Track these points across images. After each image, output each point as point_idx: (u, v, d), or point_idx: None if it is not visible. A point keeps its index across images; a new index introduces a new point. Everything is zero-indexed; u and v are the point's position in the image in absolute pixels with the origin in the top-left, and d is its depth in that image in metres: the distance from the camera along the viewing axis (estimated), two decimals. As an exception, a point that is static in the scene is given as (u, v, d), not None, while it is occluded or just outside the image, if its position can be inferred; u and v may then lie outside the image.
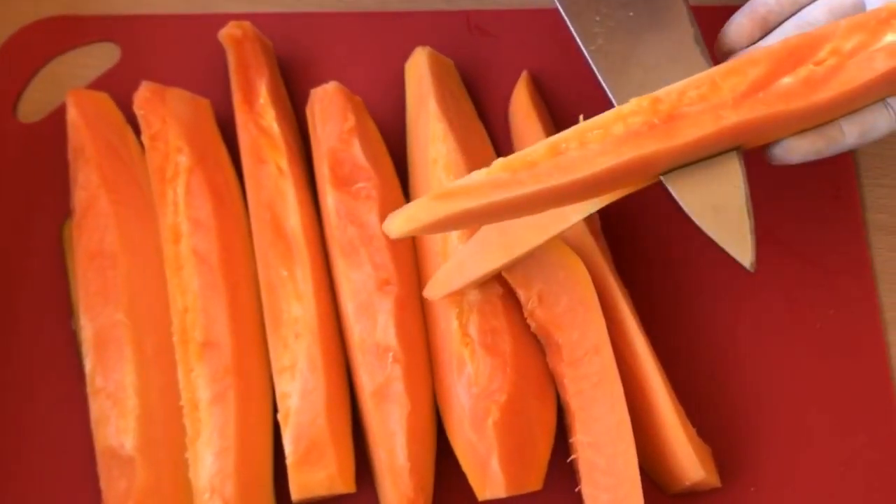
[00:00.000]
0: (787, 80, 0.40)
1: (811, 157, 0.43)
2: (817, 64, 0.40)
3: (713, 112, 0.39)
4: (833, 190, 0.54)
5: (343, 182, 0.50)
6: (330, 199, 0.50)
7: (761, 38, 0.45)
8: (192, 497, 0.46)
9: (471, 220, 0.41)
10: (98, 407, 0.47)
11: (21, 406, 0.49)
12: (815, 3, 0.44)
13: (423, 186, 0.51)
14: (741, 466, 0.48)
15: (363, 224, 0.49)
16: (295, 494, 0.45)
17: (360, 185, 0.50)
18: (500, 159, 0.40)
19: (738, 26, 0.45)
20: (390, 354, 0.47)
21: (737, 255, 0.41)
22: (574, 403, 0.45)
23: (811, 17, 0.44)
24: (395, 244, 0.49)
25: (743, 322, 0.51)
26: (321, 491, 0.45)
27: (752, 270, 0.41)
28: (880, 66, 0.39)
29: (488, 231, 0.46)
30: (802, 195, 0.54)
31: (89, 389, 0.48)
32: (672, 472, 0.45)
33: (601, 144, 0.39)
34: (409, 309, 0.48)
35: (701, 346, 0.50)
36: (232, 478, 0.45)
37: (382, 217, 0.49)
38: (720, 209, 0.41)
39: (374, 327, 0.48)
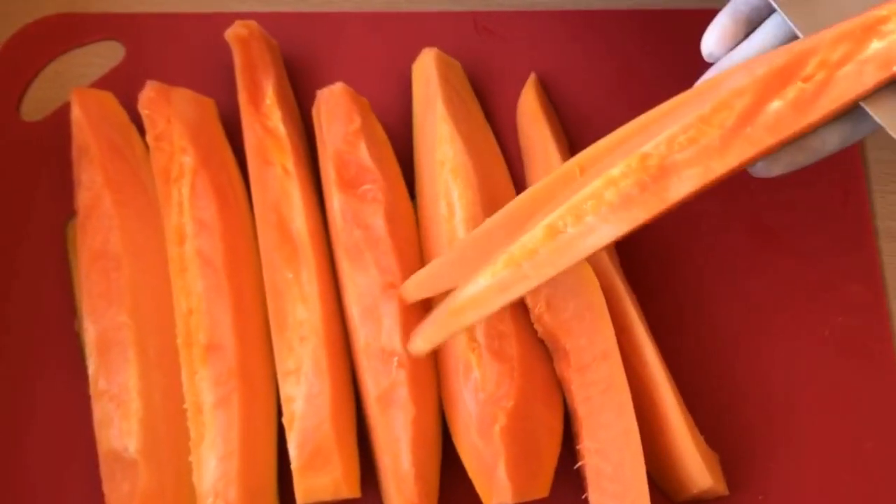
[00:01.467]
0: (775, 105, 0.38)
1: (791, 169, 0.42)
2: (805, 80, 0.38)
3: (703, 158, 0.38)
4: (843, 197, 0.53)
5: (349, 184, 0.50)
6: (336, 201, 0.50)
7: (745, 38, 0.43)
8: (196, 501, 0.45)
9: (484, 320, 0.42)
10: (101, 409, 0.47)
11: (24, 408, 0.49)
12: None
13: (430, 189, 0.51)
14: (749, 474, 0.48)
15: (369, 227, 0.49)
16: (300, 499, 0.45)
17: (366, 187, 0.50)
18: (504, 255, 0.39)
19: (722, 28, 0.43)
20: (395, 359, 0.47)
21: None
22: (581, 410, 0.45)
23: None
24: (401, 247, 0.49)
25: (751, 328, 0.51)
26: (326, 496, 0.45)
27: None
28: (869, 79, 0.37)
29: (469, 246, 0.45)
30: (812, 202, 0.53)
31: (92, 391, 0.47)
32: (679, 480, 0.45)
33: (596, 216, 0.38)
34: (415, 313, 0.48)
35: (709, 353, 0.50)
36: (236, 482, 0.45)
37: (388, 219, 0.49)
38: None
39: (379, 331, 0.47)
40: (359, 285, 0.48)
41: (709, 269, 0.52)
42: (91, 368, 0.47)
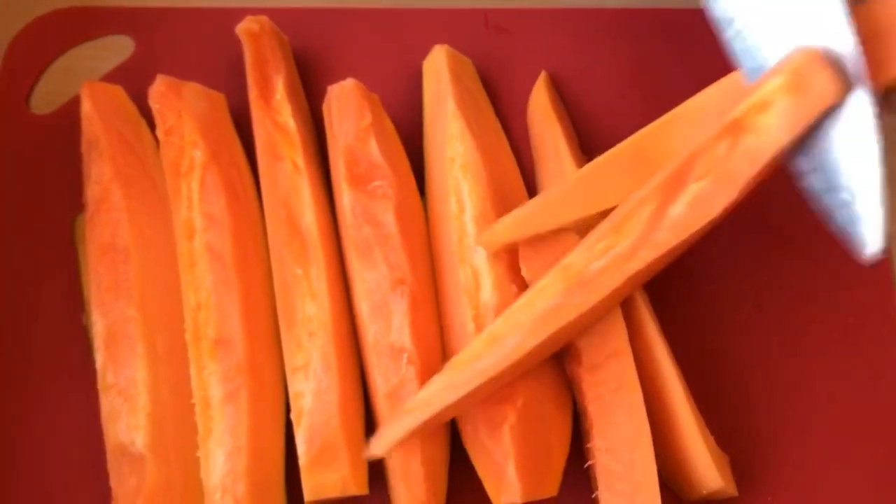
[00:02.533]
0: (677, 208, 0.41)
1: None
2: (699, 180, 0.40)
3: (618, 263, 0.41)
4: (855, 197, 0.53)
5: (359, 180, 0.50)
6: (346, 197, 0.49)
7: None
8: (203, 496, 0.45)
9: (438, 422, 0.45)
10: (109, 403, 0.47)
11: (32, 401, 0.49)
12: None
13: (440, 185, 0.51)
14: (759, 476, 0.48)
15: (379, 223, 0.49)
16: (308, 495, 0.44)
17: (377, 183, 0.50)
18: (448, 363, 0.43)
19: None
20: (405, 356, 0.46)
21: (860, 240, 0.39)
22: (592, 409, 0.44)
23: None
24: (410, 243, 0.49)
25: (762, 329, 0.50)
26: (334, 492, 0.45)
27: (875, 259, 0.39)
28: (750, 170, 0.39)
29: (565, 187, 0.46)
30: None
31: (100, 385, 0.47)
32: (689, 480, 0.45)
33: (530, 322, 0.42)
34: (425, 310, 0.48)
35: (720, 354, 0.50)
36: (243, 477, 0.44)
37: (398, 216, 0.49)
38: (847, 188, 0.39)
39: (388, 328, 0.47)
40: (368, 281, 0.48)
41: (719, 270, 0.52)
42: (99, 362, 0.47)
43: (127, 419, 0.46)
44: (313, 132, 0.53)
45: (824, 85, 0.37)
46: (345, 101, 0.51)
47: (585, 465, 0.46)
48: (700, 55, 0.56)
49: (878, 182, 0.38)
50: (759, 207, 0.53)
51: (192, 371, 0.46)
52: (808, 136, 0.40)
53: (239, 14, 0.53)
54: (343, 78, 0.52)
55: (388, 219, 0.49)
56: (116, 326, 0.47)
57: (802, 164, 0.40)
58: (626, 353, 0.44)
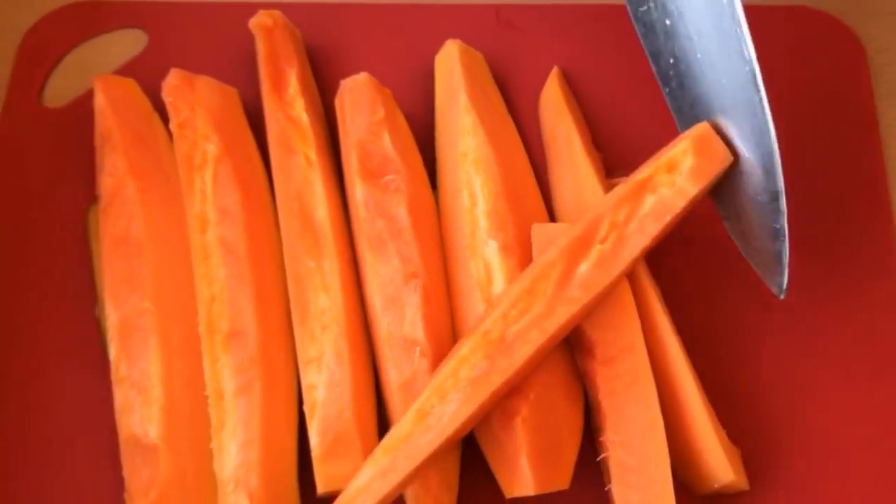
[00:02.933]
0: (584, 268, 0.44)
1: None
2: (602, 242, 0.44)
3: (536, 323, 0.43)
4: (864, 193, 0.53)
5: (372, 174, 0.50)
6: (358, 191, 0.50)
7: None
8: (216, 488, 0.45)
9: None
10: (122, 395, 0.47)
11: (44, 393, 0.49)
12: None
13: (452, 180, 0.51)
14: (771, 470, 0.48)
15: (391, 217, 0.49)
16: (320, 487, 0.45)
17: (389, 177, 0.50)
18: (381, 445, 0.42)
19: None
20: (417, 349, 0.46)
21: (771, 280, 0.46)
22: (606, 402, 0.44)
23: None
24: (423, 237, 0.49)
25: (773, 325, 0.51)
26: (347, 484, 0.44)
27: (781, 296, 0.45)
28: (652, 229, 0.44)
29: None
30: (833, 200, 0.53)
31: (113, 378, 0.47)
32: (701, 474, 0.45)
33: (457, 392, 0.42)
34: (437, 303, 0.48)
35: (733, 348, 0.50)
36: (256, 469, 0.45)
37: (411, 210, 0.49)
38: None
39: (401, 321, 0.47)
40: (381, 275, 0.48)
41: (732, 265, 0.52)
42: (112, 354, 0.47)
43: (140, 411, 0.46)
44: (326, 126, 0.53)
45: (720, 150, 0.45)
46: (357, 96, 0.51)
47: (598, 459, 0.46)
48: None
49: (784, 234, 0.44)
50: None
51: (206, 363, 0.46)
52: (723, 190, 0.46)
53: (252, 8, 0.54)
54: (355, 72, 0.52)
55: (401, 212, 0.49)
56: (130, 319, 0.47)
57: (721, 210, 0.48)
58: (640, 346, 0.44)
